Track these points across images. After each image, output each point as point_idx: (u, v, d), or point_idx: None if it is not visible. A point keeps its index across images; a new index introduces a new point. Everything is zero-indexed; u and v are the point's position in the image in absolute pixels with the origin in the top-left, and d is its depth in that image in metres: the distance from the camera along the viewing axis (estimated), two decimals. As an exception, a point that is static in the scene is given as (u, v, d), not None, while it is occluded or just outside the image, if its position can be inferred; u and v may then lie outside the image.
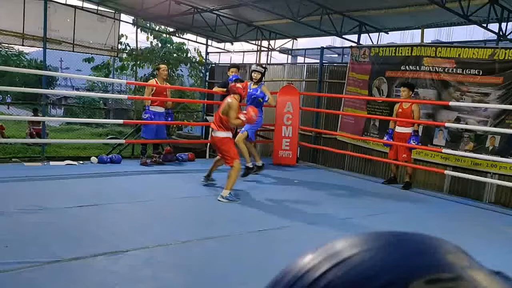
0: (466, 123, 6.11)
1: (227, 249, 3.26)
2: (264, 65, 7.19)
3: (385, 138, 6.36)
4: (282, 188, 5.68)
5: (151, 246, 3.11)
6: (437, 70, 6.42)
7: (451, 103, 5.93)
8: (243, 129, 6.11)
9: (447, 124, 6.05)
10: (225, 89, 6.95)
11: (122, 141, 8.77)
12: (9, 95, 16.33)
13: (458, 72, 6.20)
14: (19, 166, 6.19)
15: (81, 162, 6.36)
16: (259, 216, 4.25)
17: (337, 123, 7.93)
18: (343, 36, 8.63)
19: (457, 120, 6.20)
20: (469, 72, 6.07)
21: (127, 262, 2.82)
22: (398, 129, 6.18)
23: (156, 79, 6.62)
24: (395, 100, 6.57)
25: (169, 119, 6.78)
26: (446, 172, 5.99)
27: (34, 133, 10.61)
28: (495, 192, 5.98)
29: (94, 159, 6.40)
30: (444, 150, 6.03)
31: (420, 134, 6.28)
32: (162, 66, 6.69)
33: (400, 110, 6.16)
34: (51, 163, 6.31)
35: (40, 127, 9.81)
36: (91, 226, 3.51)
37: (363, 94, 7.43)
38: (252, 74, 6.42)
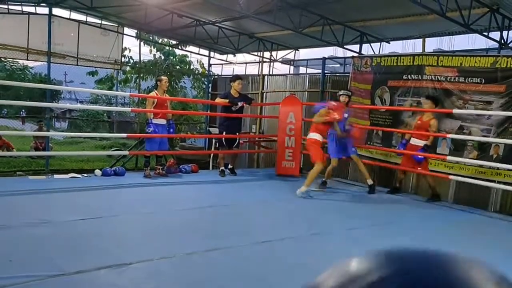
0: (470, 132, 6.09)
1: (231, 261, 3.24)
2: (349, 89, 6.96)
3: (398, 146, 6.32)
4: (285, 198, 5.67)
5: (155, 259, 3.09)
6: (439, 79, 6.42)
7: (454, 111, 5.91)
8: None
9: (449, 136, 6.02)
10: (227, 100, 6.98)
11: (126, 152, 8.80)
12: (23, 110, 16.37)
13: (460, 80, 6.20)
14: (23, 179, 6.21)
15: (85, 175, 6.38)
16: (262, 227, 4.24)
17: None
18: (345, 46, 8.68)
19: (460, 129, 6.18)
20: (472, 80, 6.07)
21: (131, 275, 2.81)
22: (413, 140, 6.12)
23: (156, 91, 6.62)
24: (398, 108, 6.56)
25: (171, 130, 6.80)
26: (451, 177, 5.94)
27: (40, 147, 10.65)
28: (500, 201, 5.94)
29: (98, 171, 6.42)
30: (448, 158, 5.99)
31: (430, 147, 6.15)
32: (164, 78, 6.72)
33: (419, 122, 6.05)
34: (55, 176, 6.33)
35: (44, 141, 9.87)
36: (95, 239, 3.50)
37: (365, 103, 7.44)
38: (341, 98, 6.28)
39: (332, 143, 6.24)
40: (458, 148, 6.25)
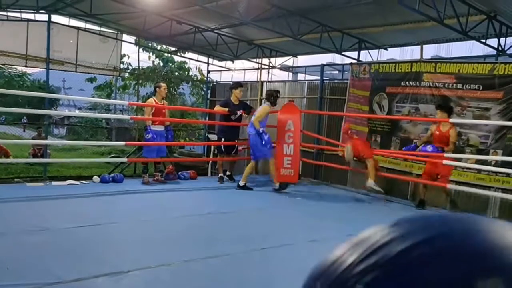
0: (468, 138, 6.10)
1: (230, 268, 3.23)
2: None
3: (406, 149, 6.18)
4: (284, 205, 5.65)
5: (153, 266, 3.08)
6: (437, 85, 6.44)
7: (451, 120, 5.84)
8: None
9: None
10: (226, 109, 6.97)
11: (125, 160, 8.78)
12: (24, 117, 16.34)
13: (458, 87, 6.21)
14: (21, 186, 6.19)
15: (83, 181, 6.36)
16: (262, 234, 4.22)
17: (338, 139, 7.91)
18: (343, 53, 8.71)
19: (459, 135, 6.18)
20: (469, 87, 6.09)
21: (129, 282, 2.79)
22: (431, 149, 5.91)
23: (154, 97, 6.62)
24: (399, 118, 6.54)
25: (169, 136, 6.80)
26: (448, 186, 5.93)
27: (38, 153, 10.60)
28: (498, 207, 5.93)
29: (96, 178, 6.40)
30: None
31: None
32: (163, 84, 6.73)
33: (437, 132, 5.74)
34: (53, 183, 6.31)
35: (42, 147, 9.84)
36: (93, 246, 3.49)
37: (364, 110, 7.45)
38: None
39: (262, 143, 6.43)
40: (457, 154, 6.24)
